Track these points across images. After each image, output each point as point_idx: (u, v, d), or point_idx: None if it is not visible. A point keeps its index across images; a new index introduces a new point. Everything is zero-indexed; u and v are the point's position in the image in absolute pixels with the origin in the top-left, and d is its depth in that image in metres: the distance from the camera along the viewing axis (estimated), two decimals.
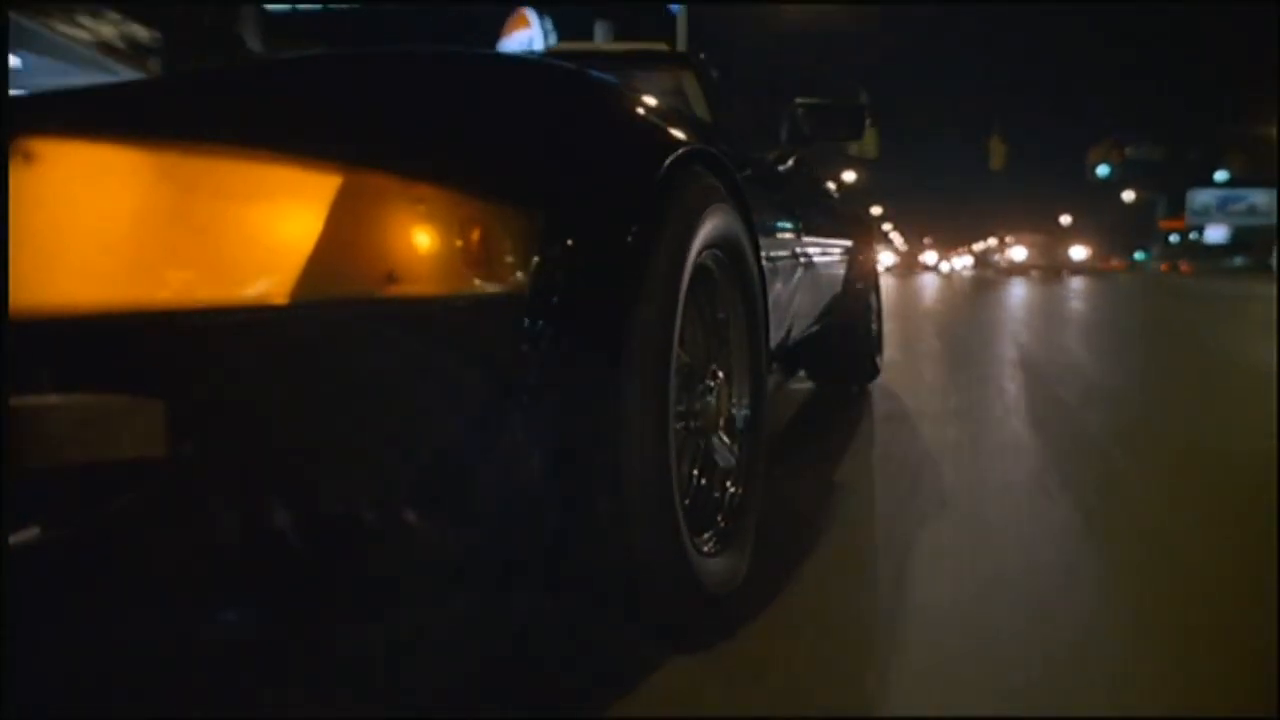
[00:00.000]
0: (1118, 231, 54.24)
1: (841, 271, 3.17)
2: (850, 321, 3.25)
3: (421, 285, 0.83)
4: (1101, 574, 1.47)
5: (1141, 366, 4.62)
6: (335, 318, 0.81)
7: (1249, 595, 1.36)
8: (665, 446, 1.03)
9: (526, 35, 14.58)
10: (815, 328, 2.82)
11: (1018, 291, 14.58)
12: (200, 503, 0.79)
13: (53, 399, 0.73)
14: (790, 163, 2.51)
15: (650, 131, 1.21)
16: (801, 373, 3.39)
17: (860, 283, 3.37)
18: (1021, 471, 2.15)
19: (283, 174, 0.79)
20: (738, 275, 1.41)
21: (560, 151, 1.02)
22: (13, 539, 0.72)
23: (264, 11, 12.57)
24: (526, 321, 0.88)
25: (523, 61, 1.20)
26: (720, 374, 1.38)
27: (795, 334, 2.35)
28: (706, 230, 1.19)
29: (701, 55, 2.68)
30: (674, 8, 13.17)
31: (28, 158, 0.74)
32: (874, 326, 3.58)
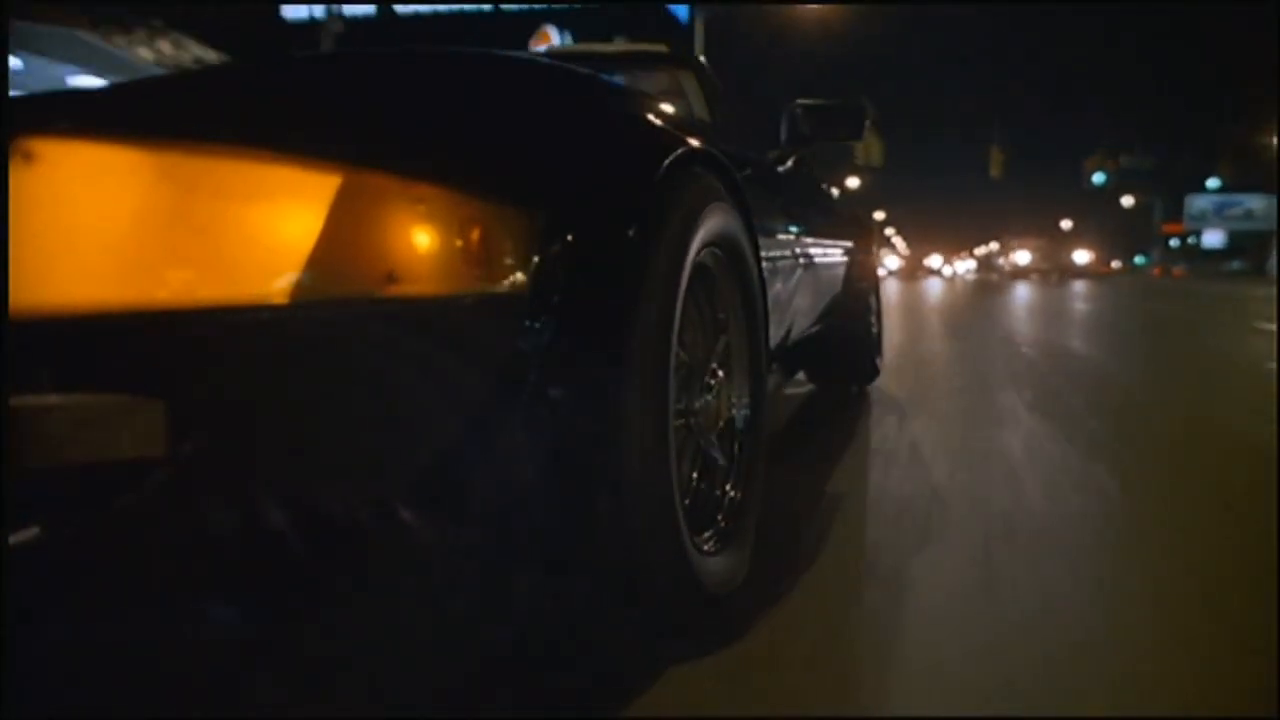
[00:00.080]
0: (1118, 235, 54.37)
1: (841, 272, 3.17)
2: (850, 322, 3.25)
3: (422, 285, 0.83)
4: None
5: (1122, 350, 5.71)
6: (335, 318, 0.81)
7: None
8: (665, 446, 1.03)
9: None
10: (815, 328, 2.82)
11: (1021, 294, 14.97)
12: (200, 503, 0.79)
13: (53, 399, 0.73)
14: (790, 163, 2.52)
15: (650, 131, 1.21)
16: (801, 374, 3.39)
17: (860, 284, 3.37)
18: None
19: (283, 174, 0.80)
20: (737, 275, 1.41)
21: (560, 151, 1.02)
22: (13, 539, 0.72)
23: (342, 31, 12.63)
24: (526, 321, 0.89)
25: (522, 61, 1.20)
26: (720, 374, 1.38)
27: (795, 334, 2.35)
28: (705, 229, 1.19)
29: (704, 61, 2.69)
30: (680, 12, 13.24)
31: (28, 158, 0.74)
32: (874, 327, 3.58)
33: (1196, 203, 46.83)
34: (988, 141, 40.03)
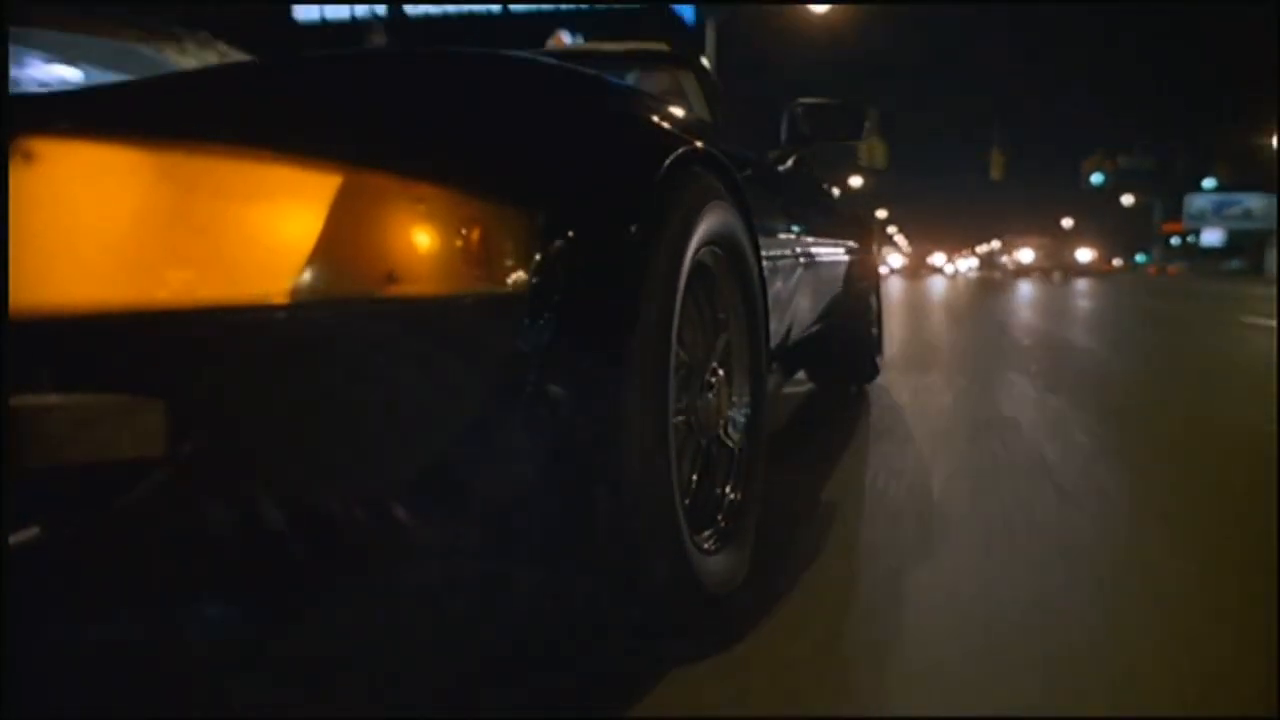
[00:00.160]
0: (1119, 234, 54.48)
1: (842, 271, 3.17)
2: (851, 322, 3.25)
3: (422, 285, 0.83)
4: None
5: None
6: (335, 318, 0.81)
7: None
8: (665, 446, 1.03)
9: None
10: (815, 327, 2.82)
11: (1025, 291, 15.28)
12: (200, 502, 0.79)
13: (53, 399, 0.73)
14: (790, 163, 2.51)
15: (650, 131, 1.21)
16: (801, 373, 3.39)
17: (861, 283, 3.37)
18: None
19: (283, 174, 0.79)
20: (737, 274, 1.41)
21: (560, 151, 1.02)
22: (13, 539, 0.72)
23: (383, 40, 12.65)
24: (526, 321, 0.88)
25: (522, 61, 1.20)
26: (720, 373, 1.38)
27: (795, 334, 2.35)
28: (705, 228, 1.19)
29: (705, 61, 2.69)
30: (686, 13, 13.28)
31: (28, 158, 0.74)
32: (874, 327, 3.58)
33: (1196, 202, 46.94)
34: (988, 141, 40.14)
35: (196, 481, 0.78)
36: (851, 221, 3.51)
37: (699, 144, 1.23)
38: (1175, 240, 51.88)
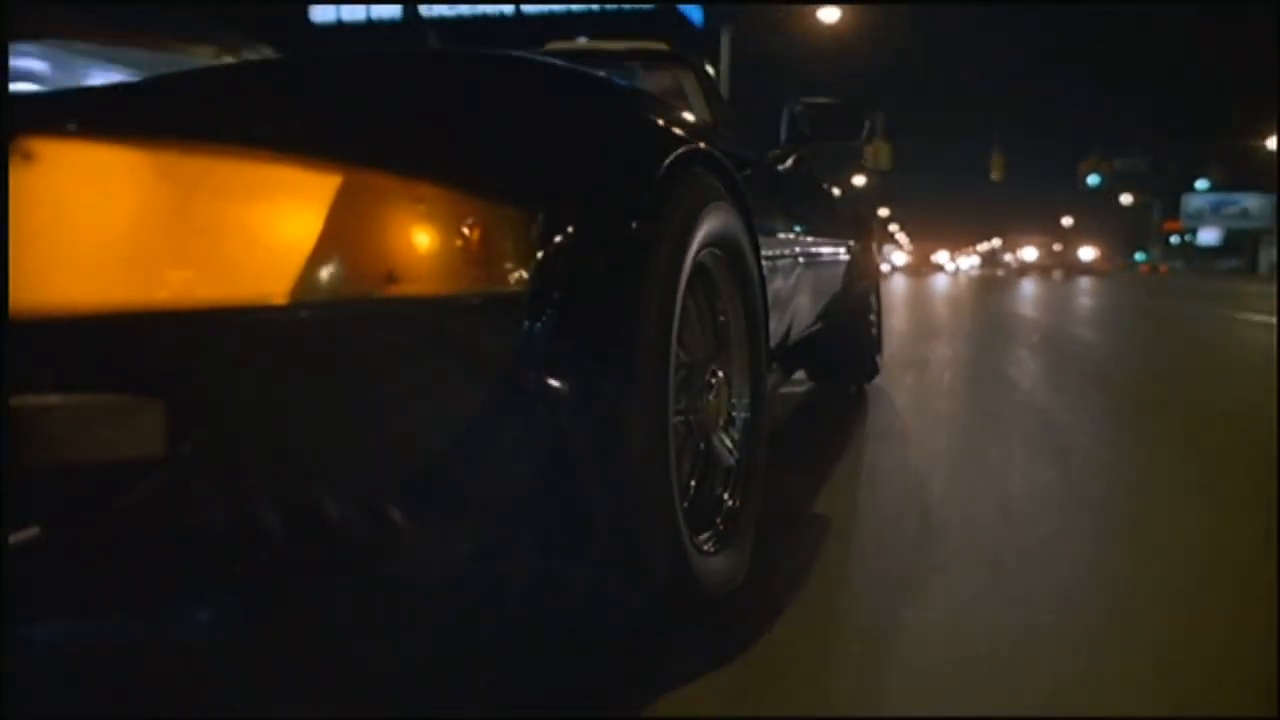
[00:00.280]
0: (1118, 233, 54.58)
1: (842, 271, 3.17)
2: (850, 321, 3.25)
3: (422, 285, 0.83)
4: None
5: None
6: (335, 318, 0.80)
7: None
8: (665, 446, 1.03)
9: None
10: (815, 327, 2.82)
11: (1028, 289, 15.54)
12: (200, 502, 0.79)
13: (53, 399, 0.73)
14: (790, 162, 2.51)
15: (650, 131, 1.21)
16: (800, 372, 3.39)
17: (861, 282, 3.37)
18: None
19: (283, 174, 0.79)
20: (737, 275, 1.41)
21: (560, 151, 1.02)
22: (13, 539, 0.72)
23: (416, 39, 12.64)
24: (527, 321, 0.88)
25: (522, 61, 1.20)
26: (720, 374, 1.38)
27: (795, 333, 2.35)
28: (705, 229, 1.19)
29: (705, 65, 2.68)
30: (693, 14, 13.30)
31: (28, 158, 0.74)
32: (874, 326, 3.58)
33: (1193, 201, 47.09)
34: (989, 141, 40.18)
35: (196, 481, 0.78)
36: (851, 221, 3.51)
37: (700, 144, 1.22)
38: (1175, 239, 52.02)
